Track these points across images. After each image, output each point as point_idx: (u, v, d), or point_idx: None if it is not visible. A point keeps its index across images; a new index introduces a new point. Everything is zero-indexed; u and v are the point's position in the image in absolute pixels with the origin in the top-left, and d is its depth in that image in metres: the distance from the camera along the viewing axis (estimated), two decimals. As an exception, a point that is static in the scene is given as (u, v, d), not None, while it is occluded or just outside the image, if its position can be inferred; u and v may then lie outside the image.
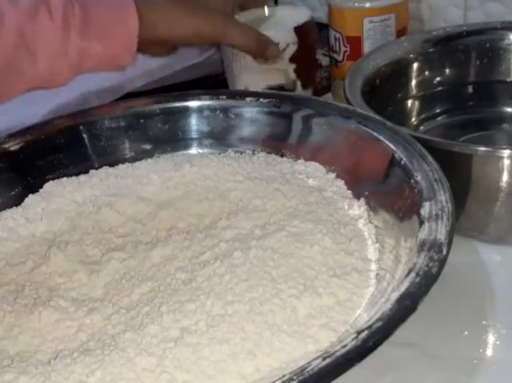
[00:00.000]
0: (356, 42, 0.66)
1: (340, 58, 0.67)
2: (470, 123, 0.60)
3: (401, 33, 0.66)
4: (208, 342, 0.34)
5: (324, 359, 0.28)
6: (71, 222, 0.46)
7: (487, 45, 0.60)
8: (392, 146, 0.43)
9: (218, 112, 0.53)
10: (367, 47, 0.65)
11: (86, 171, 0.52)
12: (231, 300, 0.36)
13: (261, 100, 0.52)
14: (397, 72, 0.60)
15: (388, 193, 0.42)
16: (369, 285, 0.37)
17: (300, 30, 0.60)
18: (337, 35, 0.67)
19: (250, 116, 0.53)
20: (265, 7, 0.67)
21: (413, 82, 0.61)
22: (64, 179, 0.51)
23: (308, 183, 0.47)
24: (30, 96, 0.72)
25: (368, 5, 0.64)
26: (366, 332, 0.29)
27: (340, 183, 0.46)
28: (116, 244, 0.44)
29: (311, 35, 0.63)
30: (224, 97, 0.53)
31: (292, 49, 0.60)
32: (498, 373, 0.39)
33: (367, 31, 0.65)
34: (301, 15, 0.63)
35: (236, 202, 0.46)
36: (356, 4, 0.65)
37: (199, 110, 0.54)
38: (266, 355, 0.33)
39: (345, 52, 0.67)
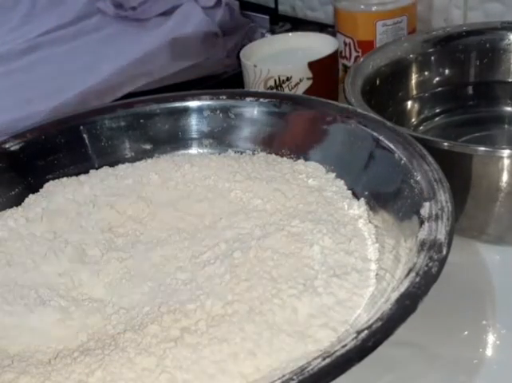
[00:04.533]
0: (368, 46, 0.64)
1: (350, 64, 0.66)
2: (470, 123, 0.60)
3: (411, 35, 0.66)
4: (208, 342, 0.34)
5: (324, 359, 0.28)
6: (71, 222, 0.46)
7: (487, 45, 0.60)
8: (392, 146, 0.43)
9: (218, 112, 0.53)
10: (379, 51, 0.64)
11: (86, 171, 0.52)
12: (231, 300, 0.36)
13: (261, 100, 0.52)
14: (397, 72, 0.59)
15: (388, 193, 0.42)
16: (369, 285, 0.37)
17: (315, 65, 0.58)
18: (347, 40, 0.66)
19: (250, 116, 0.53)
20: (290, 34, 0.66)
21: (413, 82, 0.61)
22: (65, 179, 0.51)
23: (308, 183, 0.47)
24: (30, 96, 0.72)
25: (381, 8, 0.64)
26: (366, 332, 0.29)
27: (340, 183, 0.46)
28: (116, 244, 0.44)
29: (330, 69, 0.60)
30: (224, 97, 0.53)
31: (305, 84, 0.58)
32: (498, 373, 0.39)
33: (380, 35, 0.64)
34: (324, 46, 0.61)
35: (236, 202, 0.46)
36: (369, 8, 0.64)
37: (199, 110, 0.54)
38: (266, 355, 0.33)
39: (357, 57, 0.66)
